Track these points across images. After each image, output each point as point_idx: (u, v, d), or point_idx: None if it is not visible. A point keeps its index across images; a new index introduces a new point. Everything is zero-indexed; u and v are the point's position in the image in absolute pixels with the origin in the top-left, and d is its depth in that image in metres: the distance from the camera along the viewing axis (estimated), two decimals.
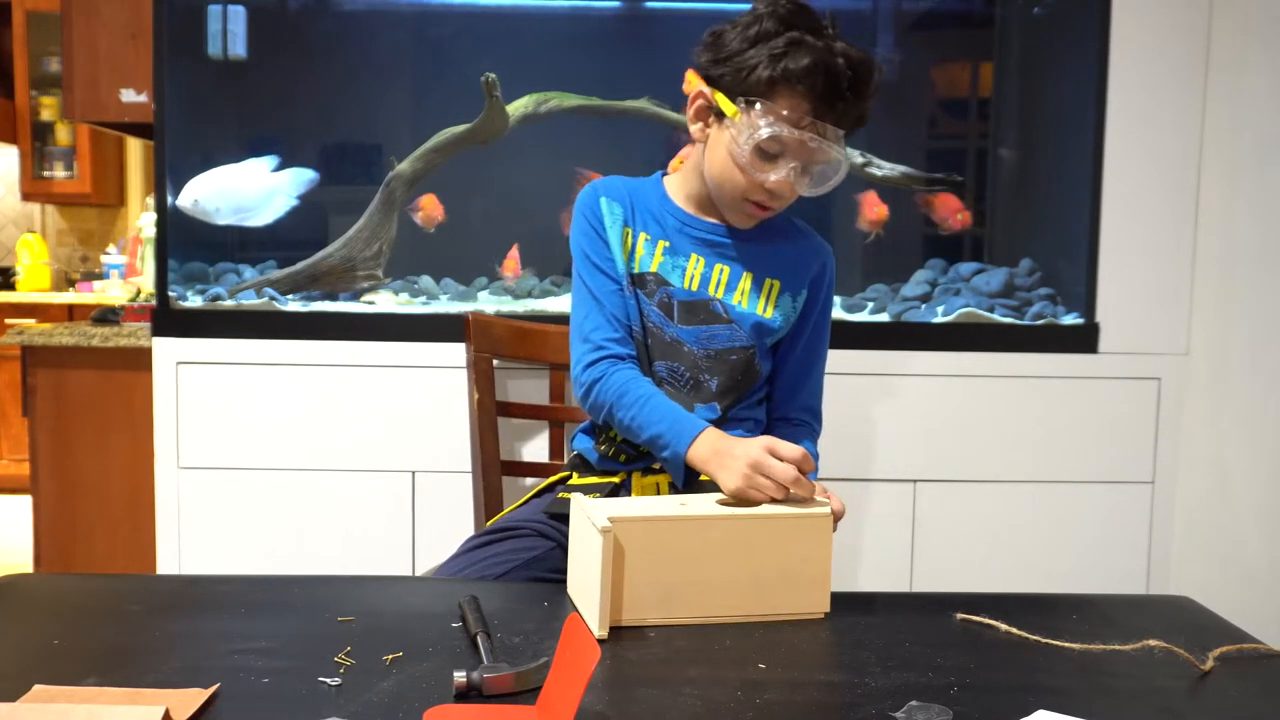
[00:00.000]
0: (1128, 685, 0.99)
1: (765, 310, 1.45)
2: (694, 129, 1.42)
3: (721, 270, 1.44)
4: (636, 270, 1.45)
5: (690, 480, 1.35)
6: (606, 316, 1.43)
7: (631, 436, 1.39)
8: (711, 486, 1.35)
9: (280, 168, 2.23)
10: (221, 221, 2.16)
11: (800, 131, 1.31)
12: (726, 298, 1.44)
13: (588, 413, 1.46)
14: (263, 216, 2.20)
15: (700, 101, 1.39)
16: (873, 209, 2.22)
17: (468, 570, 1.39)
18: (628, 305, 1.44)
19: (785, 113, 1.31)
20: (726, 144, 1.36)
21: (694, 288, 1.44)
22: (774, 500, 1.18)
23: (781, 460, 1.18)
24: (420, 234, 2.25)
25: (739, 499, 1.20)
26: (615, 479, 1.45)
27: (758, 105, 1.32)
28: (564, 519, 1.40)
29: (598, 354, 1.41)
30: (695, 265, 1.44)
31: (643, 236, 1.45)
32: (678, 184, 1.50)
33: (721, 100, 1.35)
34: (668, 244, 1.45)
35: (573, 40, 2.47)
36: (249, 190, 2.18)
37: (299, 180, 2.23)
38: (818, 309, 1.50)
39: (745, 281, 1.45)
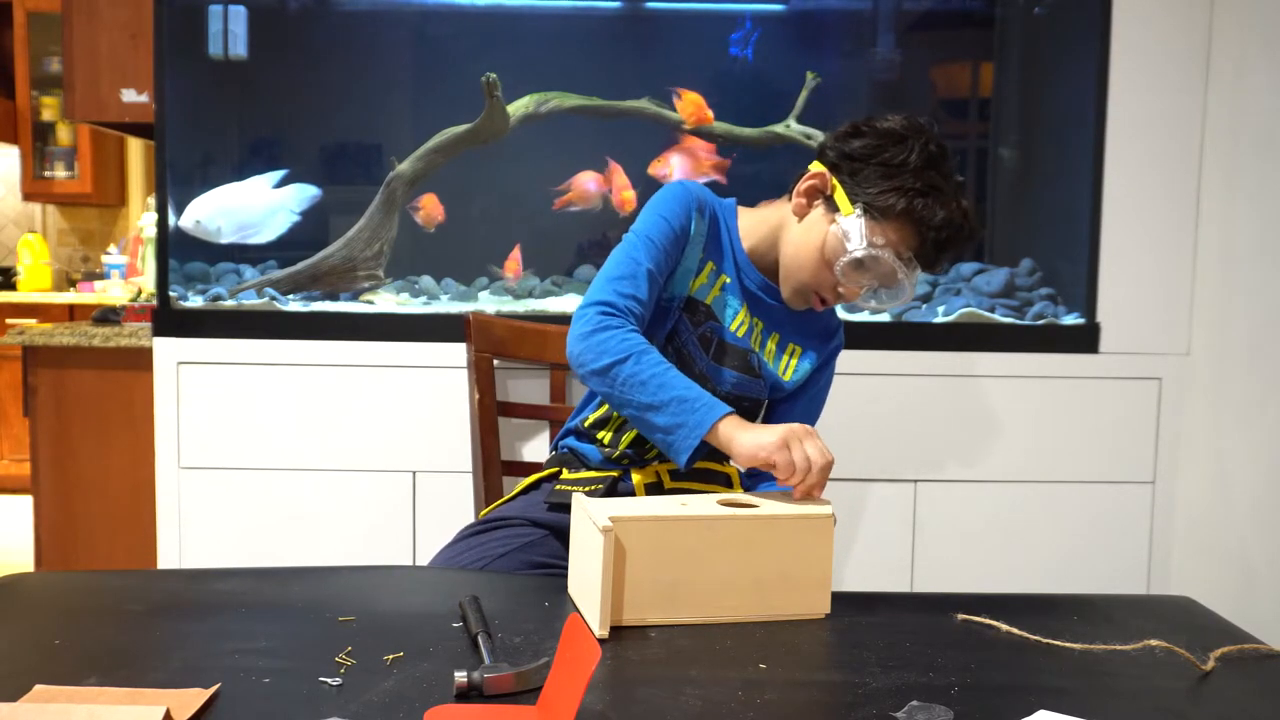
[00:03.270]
0: (1129, 685, 0.99)
1: (786, 373, 1.50)
2: (796, 202, 1.43)
3: (756, 324, 1.47)
4: (693, 294, 1.44)
5: (693, 459, 1.30)
6: (646, 303, 1.37)
7: (642, 391, 1.28)
8: (709, 476, 1.36)
9: (284, 181, 2.23)
10: (224, 240, 2.17)
11: (900, 262, 1.35)
12: (760, 353, 1.48)
13: (581, 345, 1.32)
14: (265, 233, 2.21)
15: (815, 182, 1.41)
16: None
17: (464, 556, 1.39)
18: (666, 324, 1.43)
19: (897, 239, 1.35)
20: (824, 233, 1.38)
21: (740, 334, 1.46)
22: (795, 477, 1.20)
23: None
24: (420, 234, 2.25)
25: (767, 459, 1.21)
26: (615, 474, 1.45)
27: (872, 220, 1.35)
28: (563, 508, 1.41)
29: (626, 312, 1.34)
30: (744, 313, 1.46)
31: (710, 265, 1.46)
32: (749, 227, 1.49)
33: (840, 196, 1.38)
34: (728, 280, 1.46)
35: (573, 40, 2.47)
36: (251, 208, 2.19)
37: (302, 196, 2.24)
38: (825, 377, 1.56)
39: (772, 342, 1.49)
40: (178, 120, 2.12)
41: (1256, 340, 1.94)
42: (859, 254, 1.34)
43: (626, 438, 1.46)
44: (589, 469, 1.48)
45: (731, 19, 2.37)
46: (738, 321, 1.45)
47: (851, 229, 1.35)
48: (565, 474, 1.49)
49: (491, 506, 1.55)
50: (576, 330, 1.34)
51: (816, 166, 1.42)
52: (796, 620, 1.13)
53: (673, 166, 2.17)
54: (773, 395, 1.53)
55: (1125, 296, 2.11)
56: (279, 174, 2.23)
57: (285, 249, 2.29)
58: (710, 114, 2.20)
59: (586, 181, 2.21)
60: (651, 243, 1.38)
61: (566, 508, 1.40)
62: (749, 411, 1.47)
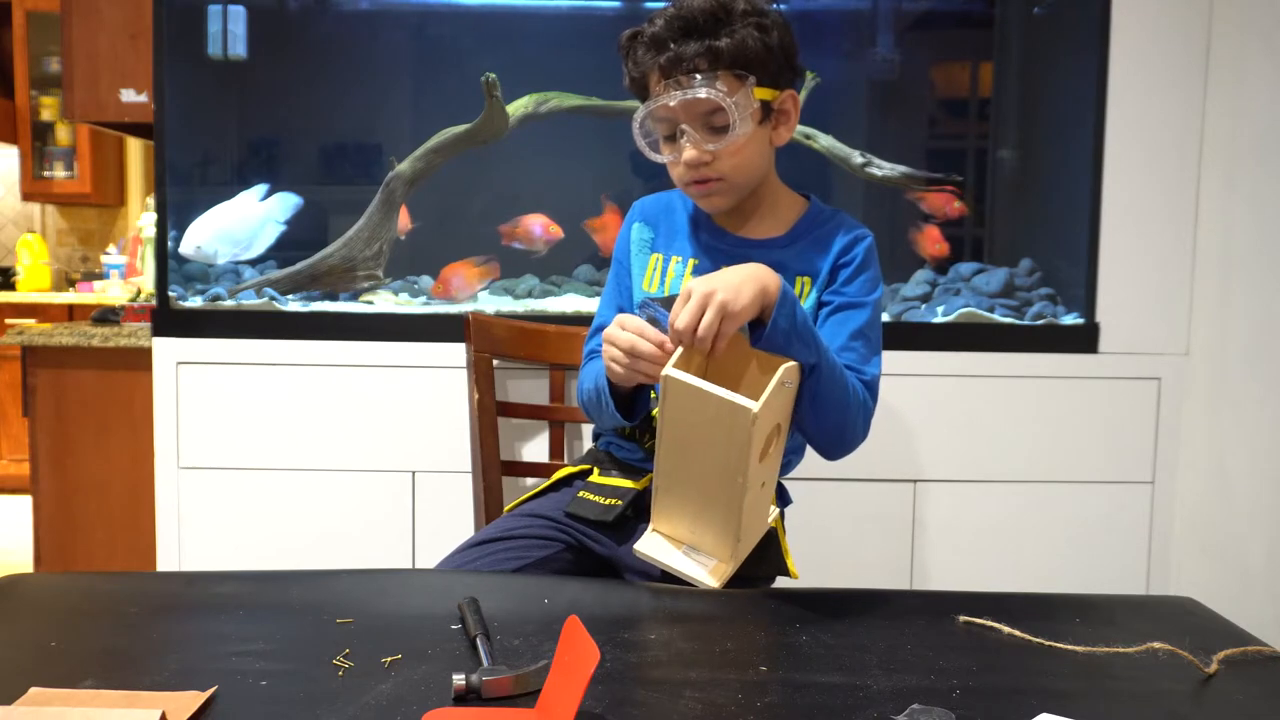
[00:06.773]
0: (1131, 688, 0.98)
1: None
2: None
3: None
4: (668, 294, 1.45)
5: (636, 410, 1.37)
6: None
7: (591, 382, 1.41)
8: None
9: (269, 194, 2.24)
10: (223, 262, 2.19)
11: (659, 98, 1.34)
12: None
13: (582, 394, 1.46)
14: (256, 248, 2.23)
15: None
16: None
17: (479, 562, 1.38)
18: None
19: (654, 82, 1.36)
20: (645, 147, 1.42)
21: None
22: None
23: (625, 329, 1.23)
24: (420, 234, 2.25)
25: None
26: (639, 484, 1.44)
27: (641, 100, 1.39)
28: (585, 521, 1.42)
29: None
30: None
31: (674, 260, 1.47)
32: None
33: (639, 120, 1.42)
34: (697, 261, 1.46)
35: (573, 40, 2.46)
36: (243, 224, 2.21)
37: (286, 205, 2.25)
38: (837, 284, 1.42)
39: None
40: (177, 120, 2.12)
41: (1256, 340, 1.94)
42: (637, 129, 1.37)
43: None
44: (621, 471, 1.48)
45: None
46: None
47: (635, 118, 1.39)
48: (597, 474, 1.49)
49: (518, 501, 1.54)
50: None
51: None
52: (795, 620, 1.13)
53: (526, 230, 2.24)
54: None
55: (1124, 296, 2.11)
56: (263, 188, 2.24)
57: (285, 248, 2.29)
58: None
59: (533, 225, 2.23)
60: (611, 278, 1.53)
61: (585, 519, 1.43)
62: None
